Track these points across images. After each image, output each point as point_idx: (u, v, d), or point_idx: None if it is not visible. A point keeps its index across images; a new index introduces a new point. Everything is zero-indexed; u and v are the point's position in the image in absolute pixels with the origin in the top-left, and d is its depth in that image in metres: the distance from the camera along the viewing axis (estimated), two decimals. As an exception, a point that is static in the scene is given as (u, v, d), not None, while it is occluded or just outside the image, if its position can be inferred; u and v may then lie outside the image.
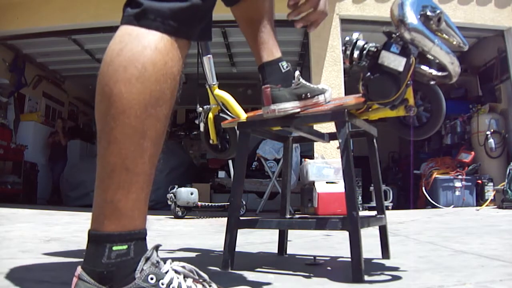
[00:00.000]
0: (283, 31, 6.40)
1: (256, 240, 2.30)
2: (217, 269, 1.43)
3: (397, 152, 9.08)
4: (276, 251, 1.78)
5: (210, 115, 1.95)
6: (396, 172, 8.46)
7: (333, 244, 2.11)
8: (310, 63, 5.82)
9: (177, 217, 4.25)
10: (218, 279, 1.25)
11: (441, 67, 1.27)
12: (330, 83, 5.61)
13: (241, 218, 1.48)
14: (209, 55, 1.99)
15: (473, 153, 5.88)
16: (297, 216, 3.83)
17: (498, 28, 6.00)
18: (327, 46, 5.73)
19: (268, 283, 1.21)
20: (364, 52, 1.29)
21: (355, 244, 1.22)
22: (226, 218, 1.48)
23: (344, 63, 1.35)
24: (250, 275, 1.34)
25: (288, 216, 1.80)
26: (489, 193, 5.45)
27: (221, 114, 1.90)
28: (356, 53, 1.30)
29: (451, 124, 6.73)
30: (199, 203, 4.50)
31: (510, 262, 1.45)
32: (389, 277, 1.26)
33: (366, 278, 1.22)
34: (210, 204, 4.96)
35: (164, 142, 0.86)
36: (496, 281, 1.16)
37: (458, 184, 5.53)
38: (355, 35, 1.32)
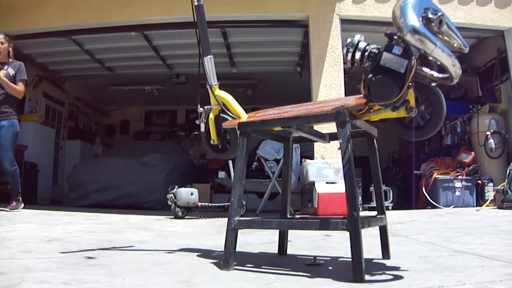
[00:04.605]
0: (283, 31, 6.39)
1: (256, 240, 2.30)
2: (217, 269, 1.43)
3: (397, 153, 9.08)
4: (276, 251, 1.78)
5: (211, 115, 1.94)
6: (396, 173, 8.46)
7: (333, 244, 2.11)
8: (310, 63, 5.81)
9: (177, 217, 4.25)
10: (218, 279, 1.25)
11: (442, 68, 1.27)
12: (330, 83, 5.60)
13: (241, 218, 1.49)
14: (210, 56, 1.97)
15: (473, 153, 5.87)
16: (297, 216, 3.83)
17: (498, 28, 5.99)
18: (327, 46, 5.72)
19: (268, 283, 1.21)
20: (366, 53, 1.29)
21: (356, 244, 1.22)
22: (226, 219, 1.48)
23: (345, 63, 1.35)
24: (250, 275, 1.34)
25: (288, 216, 1.80)
26: (489, 193, 5.44)
27: (221, 115, 1.90)
28: (357, 55, 1.30)
29: (451, 124, 6.72)
30: (199, 204, 4.50)
31: (510, 262, 1.45)
32: (390, 277, 1.26)
33: (367, 278, 1.22)
34: (210, 204, 4.96)
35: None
36: (496, 281, 1.16)
37: (458, 184, 5.52)
38: (357, 37, 1.32)
